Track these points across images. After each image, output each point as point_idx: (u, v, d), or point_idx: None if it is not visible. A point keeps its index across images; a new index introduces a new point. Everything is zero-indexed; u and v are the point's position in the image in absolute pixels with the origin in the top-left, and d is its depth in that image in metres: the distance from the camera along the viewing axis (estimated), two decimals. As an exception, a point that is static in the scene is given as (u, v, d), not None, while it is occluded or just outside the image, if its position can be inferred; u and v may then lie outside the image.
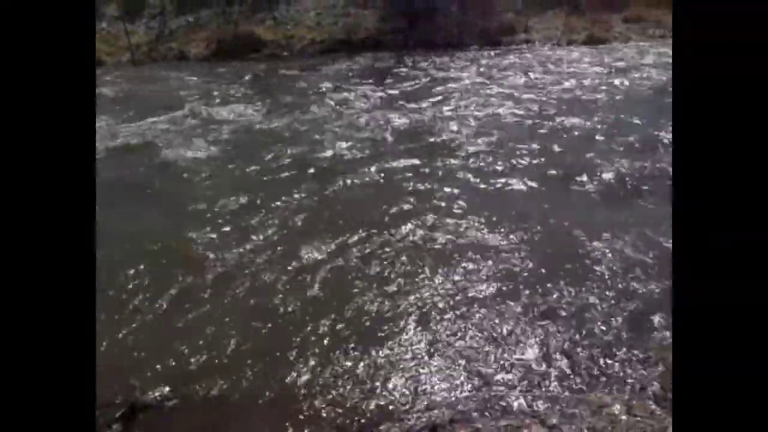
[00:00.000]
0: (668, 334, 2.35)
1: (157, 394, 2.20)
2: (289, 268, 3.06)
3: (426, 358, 2.35)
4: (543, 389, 2.12)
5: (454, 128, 5.68)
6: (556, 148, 4.92)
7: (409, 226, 3.48)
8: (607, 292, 2.74)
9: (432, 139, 5.39)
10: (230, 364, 2.36)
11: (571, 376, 2.21)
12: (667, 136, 4.98)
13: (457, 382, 2.21)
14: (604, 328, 2.48)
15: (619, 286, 2.80)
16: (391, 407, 2.10)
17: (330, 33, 12.34)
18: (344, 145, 5.25)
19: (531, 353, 2.35)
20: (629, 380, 2.15)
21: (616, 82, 7.61)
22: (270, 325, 2.61)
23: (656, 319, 2.50)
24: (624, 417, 1.87)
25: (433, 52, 10.31)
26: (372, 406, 2.10)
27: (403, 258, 3.13)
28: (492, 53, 10.21)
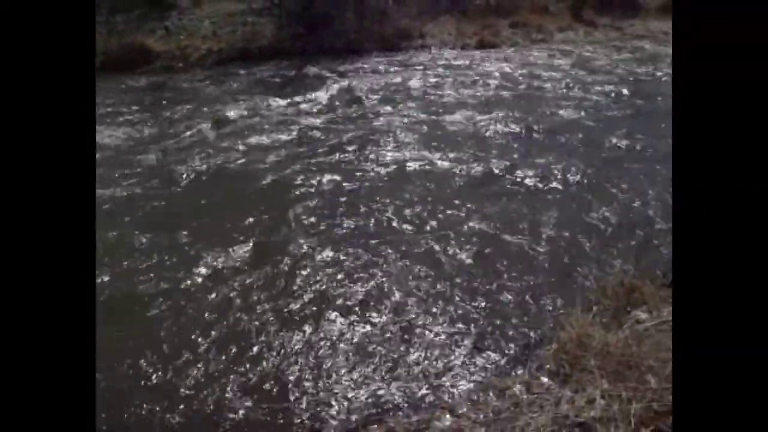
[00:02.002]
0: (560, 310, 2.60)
1: None
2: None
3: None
4: (450, 379, 2.25)
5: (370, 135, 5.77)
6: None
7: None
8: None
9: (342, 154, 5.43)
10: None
11: (477, 364, 2.36)
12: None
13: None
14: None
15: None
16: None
17: (227, 42, 11.94)
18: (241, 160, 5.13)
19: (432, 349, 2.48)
20: (528, 361, 2.34)
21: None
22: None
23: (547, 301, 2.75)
24: (525, 396, 2.04)
25: (334, 58, 10.38)
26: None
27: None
28: (391, 58, 10.48)
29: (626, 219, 3.71)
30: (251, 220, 3.72)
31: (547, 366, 2.23)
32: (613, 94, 7.30)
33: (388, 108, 6.82)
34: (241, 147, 5.41)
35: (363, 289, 2.91)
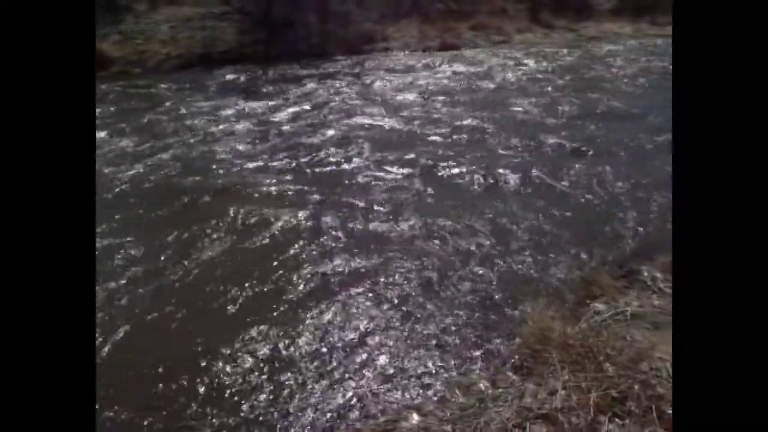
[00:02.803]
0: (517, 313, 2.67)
1: None
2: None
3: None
4: (418, 379, 2.27)
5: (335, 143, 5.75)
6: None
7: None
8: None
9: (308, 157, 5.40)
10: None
11: (443, 361, 2.39)
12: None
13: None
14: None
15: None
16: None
17: (187, 47, 11.70)
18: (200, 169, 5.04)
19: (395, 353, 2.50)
20: (493, 357, 2.39)
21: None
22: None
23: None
24: (490, 391, 2.09)
25: (297, 62, 10.32)
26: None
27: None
28: (355, 61, 10.50)
29: (581, 214, 3.83)
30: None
31: (511, 361, 2.28)
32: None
33: (350, 113, 6.83)
34: (195, 154, 5.32)
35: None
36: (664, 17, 13.44)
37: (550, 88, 7.85)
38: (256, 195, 4.27)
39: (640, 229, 3.59)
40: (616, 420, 1.82)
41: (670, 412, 1.79)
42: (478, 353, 2.42)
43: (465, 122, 6.19)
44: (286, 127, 6.25)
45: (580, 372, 2.04)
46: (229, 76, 9.32)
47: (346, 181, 4.56)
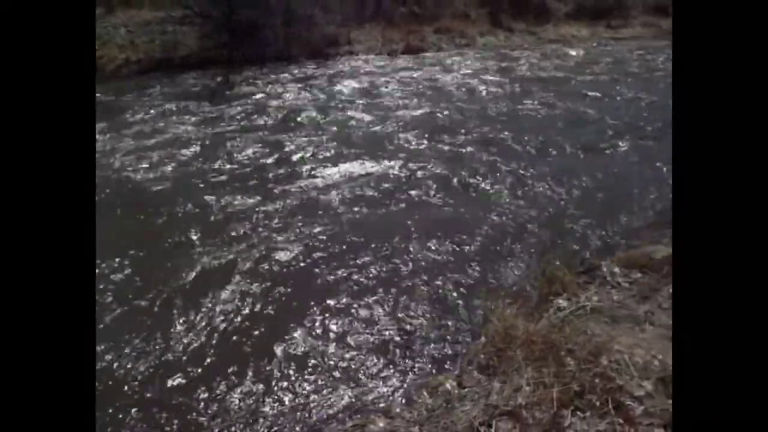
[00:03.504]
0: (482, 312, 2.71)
1: None
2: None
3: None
4: (385, 382, 2.28)
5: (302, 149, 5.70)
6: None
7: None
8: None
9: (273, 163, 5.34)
10: None
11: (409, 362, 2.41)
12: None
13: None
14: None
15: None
16: None
17: (146, 52, 11.40)
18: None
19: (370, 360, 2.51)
20: (459, 357, 2.42)
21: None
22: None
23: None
24: (456, 391, 2.11)
25: (261, 66, 10.21)
26: None
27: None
28: (319, 65, 10.46)
29: (540, 213, 3.93)
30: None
31: (477, 360, 2.31)
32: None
33: (313, 116, 6.79)
34: (147, 163, 5.18)
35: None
36: (618, 21, 14.01)
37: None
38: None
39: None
40: (578, 413, 1.87)
41: (629, 402, 1.86)
42: (445, 353, 2.45)
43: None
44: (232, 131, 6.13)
45: (544, 368, 2.09)
46: (190, 82, 9.12)
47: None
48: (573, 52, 11.46)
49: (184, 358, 2.43)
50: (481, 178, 4.57)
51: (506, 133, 5.82)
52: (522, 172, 4.70)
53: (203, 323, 2.66)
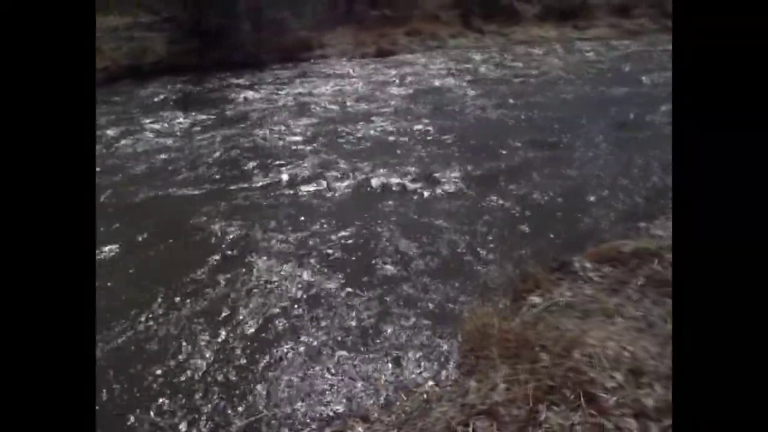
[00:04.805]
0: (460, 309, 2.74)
1: None
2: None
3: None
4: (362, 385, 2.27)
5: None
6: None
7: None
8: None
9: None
10: None
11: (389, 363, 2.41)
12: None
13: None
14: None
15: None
16: None
17: (113, 59, 11.14)
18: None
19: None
20: (436, 356, 2.44)
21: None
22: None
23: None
24: (434, 392, 2.12)
25: (233, 71, 10.09)
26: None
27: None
28: (290, 69, 10.40)
29: (516, 210, 3.99)
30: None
31: (454, 360, 2.33)
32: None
33: (284, 121, 6.76)
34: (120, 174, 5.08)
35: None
36: (583, 22, 14.39)
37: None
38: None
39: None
40: (553, 407, 1.90)
41: (601, 394, 1.90)
42: (421, 354, 2.46)
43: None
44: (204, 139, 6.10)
45: (518, 365, 2.12)
46: (159, 89, 8.94)
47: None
48: (538, 51, 11.67)
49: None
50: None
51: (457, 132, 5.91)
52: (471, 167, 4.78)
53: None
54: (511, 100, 7.42)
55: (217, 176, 4.90)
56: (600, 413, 1.84)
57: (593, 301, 2.65)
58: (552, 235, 3.62)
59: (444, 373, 2.27)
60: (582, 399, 1.85)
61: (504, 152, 5.29)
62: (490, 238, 3.60)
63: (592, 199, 4.15)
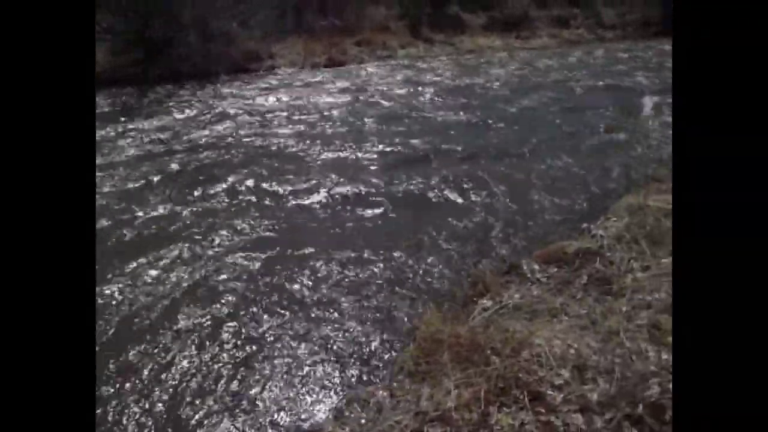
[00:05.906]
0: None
1: None
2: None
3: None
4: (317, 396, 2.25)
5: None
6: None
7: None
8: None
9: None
10: None
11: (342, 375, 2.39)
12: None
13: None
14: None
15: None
16: None
17: (49, 71, 10.57)
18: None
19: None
20: (389, 364, 2.44)
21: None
22: None
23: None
24: (388, 401, 2.12)
25: (179, 83, 9.82)
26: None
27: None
28: (238, 81, 10.24)
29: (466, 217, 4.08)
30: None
31: (407, 367, 2.34)
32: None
33: (231, 132, 6.64)
34: None
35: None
36: (526, 32, 15.04)
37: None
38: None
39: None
40: (504, 408, 1.94)
41: (549, 392, 1.96)
42: (375, 363, 2.46)
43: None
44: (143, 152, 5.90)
45: (470, 369, 2.15)
46: (100, 101, 8.55)
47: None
48: (483, 60, 12.07)
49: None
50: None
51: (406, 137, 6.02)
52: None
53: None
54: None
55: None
56: (548, 411, 1.89)
57: (540, 301, 2.74)
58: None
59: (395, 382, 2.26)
60: (527, 398, 1.89)
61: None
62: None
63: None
